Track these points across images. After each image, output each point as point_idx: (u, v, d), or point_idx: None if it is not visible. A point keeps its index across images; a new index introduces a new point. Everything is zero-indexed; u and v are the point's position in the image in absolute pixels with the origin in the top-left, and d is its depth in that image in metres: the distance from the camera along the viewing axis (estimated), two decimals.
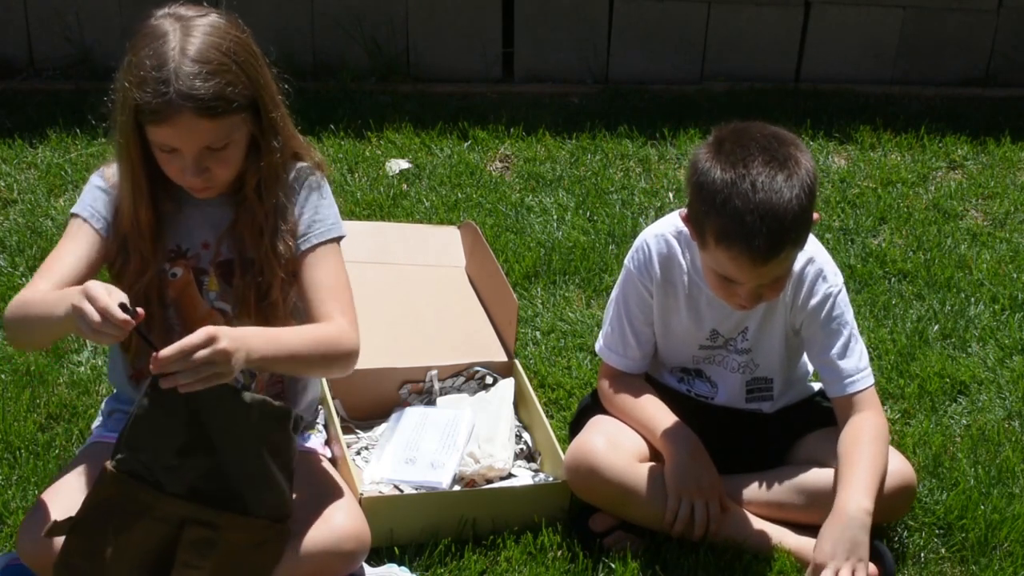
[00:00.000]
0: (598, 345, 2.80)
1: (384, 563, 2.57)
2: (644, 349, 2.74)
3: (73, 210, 2.40)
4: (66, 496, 2.29)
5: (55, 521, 2.15)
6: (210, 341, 2.06)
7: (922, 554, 2.67)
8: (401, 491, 2.72)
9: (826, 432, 2.65)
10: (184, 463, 2.16)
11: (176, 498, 2.17)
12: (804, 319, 2.63)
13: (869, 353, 2.72)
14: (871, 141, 4.60)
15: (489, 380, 3.05)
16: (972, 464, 2.93)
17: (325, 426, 2.76)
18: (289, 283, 2.42)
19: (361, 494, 2.57)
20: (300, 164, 2.45)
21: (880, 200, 4.19)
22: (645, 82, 5.05)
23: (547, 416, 2.90)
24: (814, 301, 2.61)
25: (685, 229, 2.56)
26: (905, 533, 2.72)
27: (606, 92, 4.98)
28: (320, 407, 2.77)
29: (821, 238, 3.40)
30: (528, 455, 2.92)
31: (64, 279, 2.29)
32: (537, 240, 3.83)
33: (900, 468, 2.60)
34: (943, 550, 2.69)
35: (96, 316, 2.01)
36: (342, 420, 2.87)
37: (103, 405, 2.62)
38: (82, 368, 3.15)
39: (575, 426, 2.81)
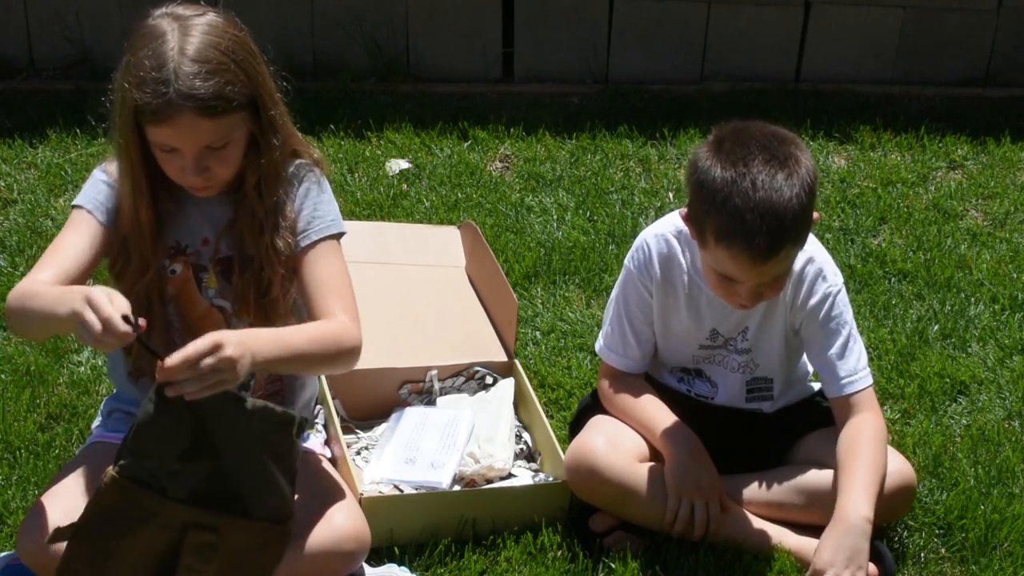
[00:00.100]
0: (598, 345, 2.80)
1: (384, 563, 2.57)
2: (644, 349, 2.74)
3: (76, 201, 2.40)
4: (66, 497, 2.29)
5: (58, 528, 2.14)
6: (216, 349, 2.05)
7: (922, 554, 2.67)
8: (401, 491, 2.72)
9: (826, 432, 2.65)
10: (186, 467, 2.16)
11: (179, 503, 2.17)
12: (803, 319, 2.63)
13: (869, 353, 2.73)
14: (871, 141, 4.60)
15: (489, 380, 3.05)
16: (972, 464, 2.93)
17: (325, 426, 2.76)
18: (289, 280, 2.42)
19: (361, 494, 2.57)
20: (299, 161, 2.45)
21: (880, 200, 4.19)
22: (645, 82, 5.05)
23: (547, 416, 2.90)
24: (813, 301, 2.61)
25: (685, 229, 2.56)
26: (905, 533, 2.72)
27: (606, 92, 4.98)
28: (320, 407, 2.77)
29: (821, 238, 3.40)
30: (528, 455, 2.92)
31: (66, 270, 2.28)
32: (537, 240, 3.83)
33: (900, 468, 2.60)
34: (943, 550, 2.69)
35: (98, 326, 2.00)
36: (342, 420, 2.87)
37: (103, 405, 2.62)
38: (82, 368, 3.15)
39: (575, 426, 2.81)
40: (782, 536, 2.63)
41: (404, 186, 4.17)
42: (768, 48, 5.07)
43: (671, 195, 4.18)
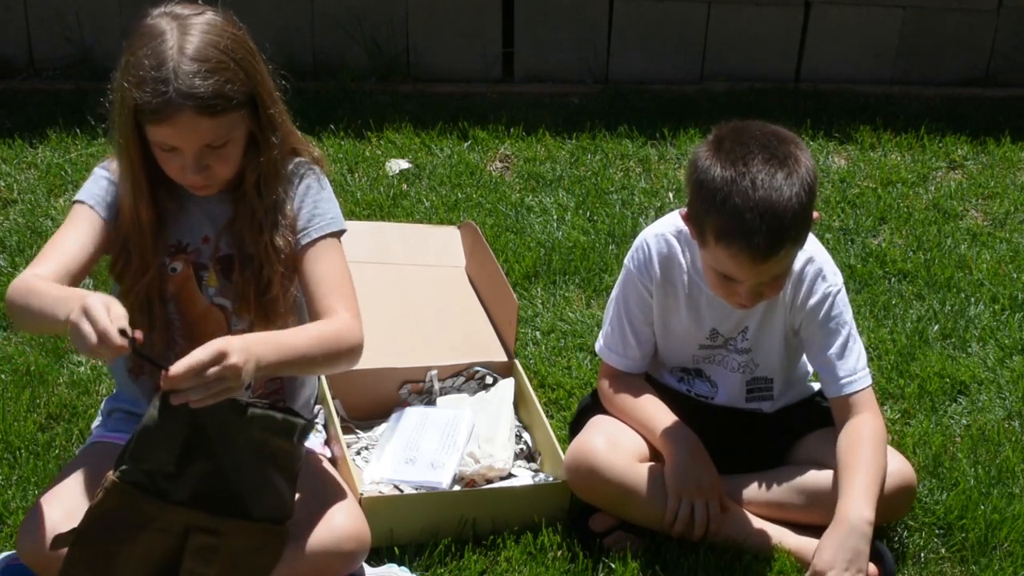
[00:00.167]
0: (598, 345, 2.80)
1: (384, 563, 2.57)
2: (644, 349, 2.74)
3: (77, 197, 2.40)
4: (66, 498, 2.29)
5: (58, 534, 2.14)
6: (220, 357, 2.04)
7: (922, 554, 2.67)
8: (401, 491, 2.72)
9: (826, 432, 2.65)
10: (186, 469, 2.16)
11: (180, 506, 2.16)
12: (803, 318, 2.63)
13: (869, 353, 2.73)
14: (871, 141, 4.60)
15: (489, 380, 3.05)
16: (972, 464, 2.93)
17: (325, 426, 2.76)
18: (289, 278, 2.42)
19: (361, 494, 2.57)
20: (298, 159, 2.46)
21: (880, 200, 4.19)
22: (645, 82, 5.05)
23: (547, 416, 2.90)
24: (813, 300, 2.61)
25: (685, 228, 2.56)
26: (905, 533, 2.72)
27: (606, 92, 4.98)
28: (320, 407, 2.77)
29: (821, 238, 3.40)
30: (528, 455, 2.92)
31: (65, 265, 2.28)
32: (537, 240, 3.83)
33: (900, 468, 2.60)
34: (943, 550, 2.69)
35: (93, 338, 1.99)
36: (342, 420, 2.87)
37: (103, 405, 2.62)
38: (82, 368, 3.15)
39: (575, 426, 2.81)
40: (782, 536, 2.63)
41: (404, 186, 4.17)
42: (768, 48, 5.07)
43: (671, 195, 4.18)
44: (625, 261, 2.72)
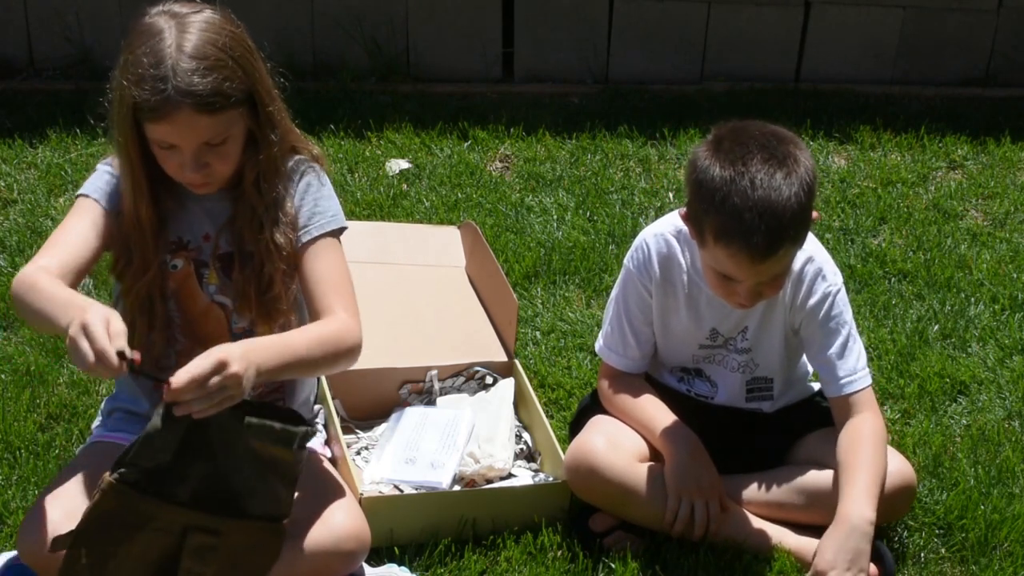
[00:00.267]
0: (598, 345, 2.80)
1: (384, 563, 2.57)
2: (644, 349, 2.74)
3: (81, 191, 2.40)
4: (67, 498, 2.29)
5: (57, 536, 2.14)
6: (221, 367, 2.04)
7: (922, 554, 2.67)
8: (401, 491, 2.72)
9: (826, 432, 2.65)
10: (186, 471, 2.16)
11: (178, 506, 2.16)
12: (803, 318, 2.63)
13: (869, 353, 2.73)
14: (871, 141, 4.60)
15: (489, 380, 3.05)
16: (972, 464, 2.93)
17: (325, 426, 2.76)
18: (290, 276, 2.41)
19: (361, 494, 2.57)
20: (298, 157, 2.45)
21: (880, 200, 4.19)
22: (645, 82, 5.05)
23: (547, 416, 2.90)
24: (813, 300, 2.61)
25: (685, 228, 2.56)
26: (905, 533, 2.72)
27: (606, 92, 4.98)
28: (320, 407, 2.77)
29: (821, 238, 3.40)
30: (528, 455, 2.92)
31: (68, 260, 2.28)
32: (537, 240, 3.83)
33: (900, 468, 2.60)
34: (943, 550, 2.69)
35: (91, 357, 1.99)
36: (342, 420, 2.87)
37: (103, 405, 2.62)
38: None
39: (575, 426, 2.81)
40: (782, 536, 2.63)
41: (404, 186, 4.17)
42: (768, 48, 5.07)
43: (671, 195, 4.18)
44: (625, 261, 2.72)
